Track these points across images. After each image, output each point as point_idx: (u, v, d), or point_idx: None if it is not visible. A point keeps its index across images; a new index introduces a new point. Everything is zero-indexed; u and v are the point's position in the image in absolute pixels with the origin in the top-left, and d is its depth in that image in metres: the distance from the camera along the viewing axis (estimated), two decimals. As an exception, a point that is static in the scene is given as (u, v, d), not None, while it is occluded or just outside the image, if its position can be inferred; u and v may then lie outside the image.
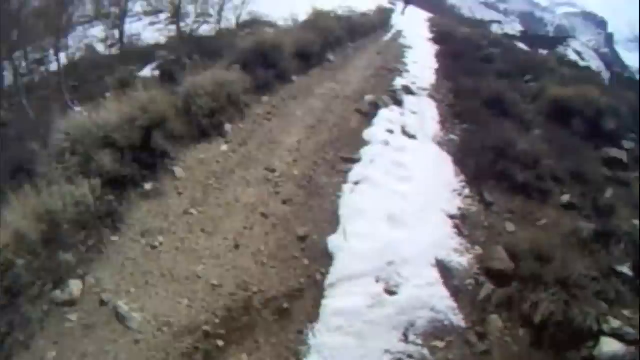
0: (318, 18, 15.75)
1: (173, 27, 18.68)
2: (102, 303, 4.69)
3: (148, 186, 6.17)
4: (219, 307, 4.76)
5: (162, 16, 21.83)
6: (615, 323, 4.89)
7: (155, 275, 5.02)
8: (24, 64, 14.31)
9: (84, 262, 5.01)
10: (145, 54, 15.45)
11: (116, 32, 18.12)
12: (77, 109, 7.41)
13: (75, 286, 4.78)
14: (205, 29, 18.35)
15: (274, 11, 18.32)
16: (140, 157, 6.36)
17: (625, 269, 5.65)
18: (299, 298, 5.04)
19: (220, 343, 4.43)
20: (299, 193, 6.65)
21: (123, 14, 17.91)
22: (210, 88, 8.00)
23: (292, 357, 4.45)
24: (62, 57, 14.35)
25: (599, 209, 7.18)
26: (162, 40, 18.41)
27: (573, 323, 4.87)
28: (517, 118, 10.45)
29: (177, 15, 17.96)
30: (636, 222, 6.58)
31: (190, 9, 19.43)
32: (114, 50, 17.75)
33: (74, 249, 5.06)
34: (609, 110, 10.50)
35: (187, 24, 18.56)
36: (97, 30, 19.87)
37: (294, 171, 7.10)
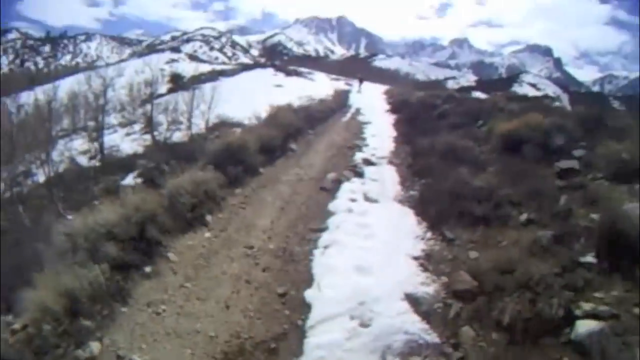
0: (278, 113, 17.20)
1: (148, 136, 19.84)
2: (119, 358, 5.64)
3: (148, 269, 7.24)
4: (217, 352, 5.70)
5: (137, 127, 23.18)
6: (588, 306, 5.28)
7: (162, 334, 5.99)
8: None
9: (101, 328, 5.99)
10: (126, 164, 16.65)
11: (96, 144, 19.20)
12: (69, 216, 8.44)
13: (94, 347, 5.74)
14: (177, 136, 19.56)
15: (239, 112, 19.71)
16: (139, 247, 7.50)
17: (589, 258, 6.06)
18: (284, 339, 5.99)
19: (223, 380, 5.32)
20: (275, 262, 7.73)
21: (100, 127, 19.12)
22: (190, 187, 9.30)
23: (283, 387, 5.29)
24: (47, 170, 15.30)
25: (556, 215, 7.58)
26: (140, 149, 19.59)
27: (542, 316, 5.35)
28: (471, 162, 11.10)
29: (150, 125, 19.18)
30: (594, 215, 6.98)
31: (162, 118, 20.70)
32: (96, 162, 18.76)
33: (91, 317, 6.06)
34: (554, 129, 11.08)
35: (160, 132, 19.74)
36: (78, 143, 21.02)
37: (269, 245, 8.22)
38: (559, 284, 5.71)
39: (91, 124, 19.62)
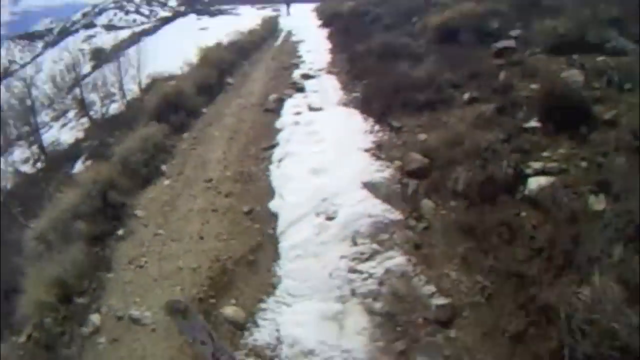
0: (207, 53, 16.98)
1: (85, 119, 19.41)
2: (119, 319, 6.01)
3: (120, 231, 7.57)
4: (203, 280, 6.11)
5: (71, 114, 22.61)
6: (537, 164, 5.54)
7: (150, 282, 6.37)
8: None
9: (95, 300, 6.38)
10: (71, 153, 16.40)
11: (34, 148, 18.75)
12: (32, 225, 8.58)
13: (95, 319, 6.11)
14: (114, 108, 19.22)
15: (169, 65, 19.32)
16: (107, 215, 7.86)
17: (533, 123, 6.30)
18: (260, 250, 6.42)
19: (213, 300, 5.76)
20: (236, 186, 8.07)
21: (35, 129, 18.67)
22: (138, 145, 9.54)
23: (270, 289, 5.78)
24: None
25: (497, 90, 7.74)
26: (80, 134, 19.21)
27: (494, 178, 5.64)
28: (409, 57, 11.04)
29: (84, 107, 18.78)
30: (534, 86, 7.18)
31: (94, 96, 20.24)
32: (40, 164, 18.42)
33: (83, 294, 6.42)
34: (489, 14, 11.14)
35: (96, 111, 19.33)
36: (18, 154, 20.55)
37: (227, 173, 8.54)
38: (506, 149, 5.97)
39: (25, 129, 19.03)
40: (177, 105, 11.71)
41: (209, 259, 6.44)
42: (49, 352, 5.82)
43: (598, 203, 4.83)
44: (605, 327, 3.79)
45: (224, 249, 6.56)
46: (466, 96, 8.22)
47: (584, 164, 5.38)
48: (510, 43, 9.64)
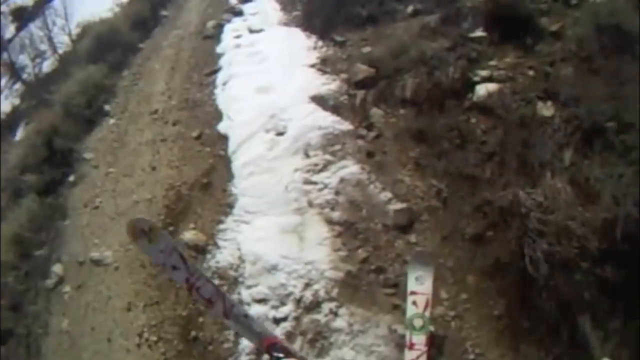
0: (138, -12, 15.97)
1: (17, 85, 18.41)
2: (81, 264, 6.06)
3: (72, 177, 7.50)
4: (160, 209, 6.11)
5: (2, 82, 21.31)
6: (484, 72, 5.52)
7: (108, 221, 6.38)
8: None
9: (55, 250, 6.41)
10: (10, 121, 15.68)
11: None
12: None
13: (57, 269, 6.17)
14: (47, 65, 18.31)
15: (99, 9, 18.34)
16: (55, 163, 7.75)
17: (479, 33, 6.14)
18: (213, 172, 6.35)
19: (171, 228, 5.76)
20: (182, 114, 7.86)
21: None
22: (77, 88, 9.22)
23: (227, 208, 5.77)
24: None
25: (441, 1, 7.39)
26: (16, 101, 18.39)
27: (441, 85, 5.63)
28: None
29: (15, 72, 17.82)
30: None
31: (23, 58, 19.13)
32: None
33: (42, 246, 6.36)
34: None
35: (29, 73, 18.36)
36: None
37: (172, 102, 8.29)
38: (452, 57, 5.85)
39: None
40: (112, 44, 11.15)
41: (163, 188, 6.39)
42: (16, 312, 5.88)
43: (547, 109, 4.92)
44: (561, 226, 3.94)
45: (177, 176, 6.50)
46: (410, 9, 7.78)
47: (531, 72, 5.38)
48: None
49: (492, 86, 5.37)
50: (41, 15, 19.63)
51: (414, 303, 3.96)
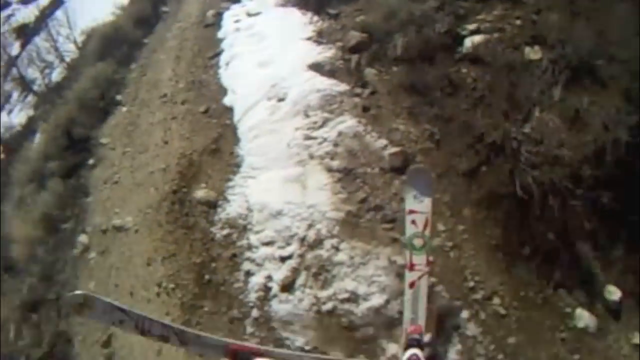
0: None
1: (29, 98, 18.75)
2: (104, 232, 6.59)
3: (91, 161, 8.07)
4: (174, 175, 6.57)
5: (14, 98, 21.62)
6: (472, 26, 5.70)
7: (127, 192, 6.90)
8: None
9: (80, 223, 6.96)
10: (27, 131, 16.12)
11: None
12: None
13: (82, 238, 6.72)
14: (56, 74, 18.69)
15: (101, 14, 18.61)
16: (75, 150, 8.33)
17: None
18: (220, 139, 6.79)
19: (185, 190, 6.26)
20: (190, 94, 8.32)
21: None
22: (89, 84, 9.82)
23: (234, 168, 6.22)
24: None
25: None
26: (30, 112, 18.74)
27: (429, 41, 5.83)
28: None
29: (26, 85, 18.22)
30: None
31: (32, 71, 19.46)
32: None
33: (67, 221, 6.89)
34: None
35: (39, 85, 18.72)
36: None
37: (179, 86, 8.76)
38: (440, 15, 6.04)
39: None
40: (118, 42, 11.76)
41: (175, 157, 6.85)
42: (47, 281, 6.41)
43: (534, 53, 5.07)
44: (550, 154, 4.19)
45: (188, 146, 6.95)
46: None
47: (518, 22, 5.51)
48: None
49: (480, 37, 5.57)
50: (45, 28, 20.02)
51: (413, 222, 3.92)
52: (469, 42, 5.62)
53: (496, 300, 4.22)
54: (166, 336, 3.21)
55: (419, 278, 3.84)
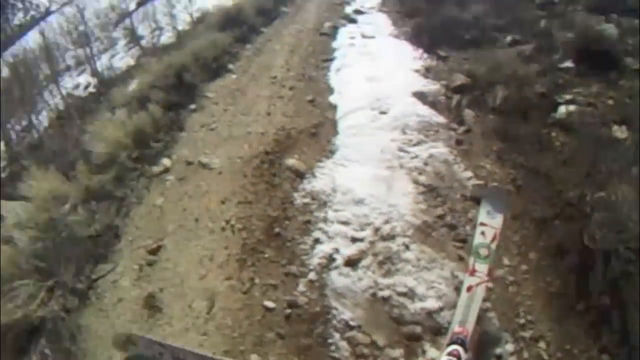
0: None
1: (134, 50, 19.54)
2: (188, 163, 6.97)
3: (193, 106, 8.60)
4: (269, 142, 6.96)
5: (119, 47, 22.59)
6: (568, 96, 6.25)
7: (220, 140, 7.34)
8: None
9: (167, 148, 7.39)
10: (125, 76, 16.69)
11: (86, 77, 18.83)
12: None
13: (165, 161, 7.10)
14: (163, 39, 19.53)
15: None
16: (180, 92, 8.85)
17: (568, 64, 6.94)
18: (320, 126, 7.26)
19: (277, 154, 6.64)
20: (298, 83, 8.88)
21: (90, 55, 18.89)
22: (207, 44, 10.57)
23: (328, 154, 6.62)
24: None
25: (537, 35, 8.33)
26: (131, 61, 19.46)
27: (528, 99, 6.38)
28: (457, 1, 11.12)
29: (135, 37, 19.08)
30: (570, 34, 7.64)
31: (142, 29, 20.35)
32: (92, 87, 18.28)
33: (157, 142, 7.41)
34: None
35: (147, 41, 19.53)
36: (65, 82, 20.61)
37: (290, 74, 9.36)
38: (541, 79, 6.62)
39: (79, 52, 19.37)
40: (240, 21, 12.60)
41: (275, 127, 7.30)
42: (118, 183, 6.69)
43: (621, 132, 5.47)
44: (620, 222, 4.35)
45: (289, 123, 7.41)
46: (508, 38, 8.77)
47: (610, 102, 5.98)
48: (554, -2, 10.23)
49: (573, 107, 6.04)
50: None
51: (482, 233, 4.15)
52: (563, 109, 6.11)
53: (542, 345, 4.31)
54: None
55: (477, 285, 4.04)
